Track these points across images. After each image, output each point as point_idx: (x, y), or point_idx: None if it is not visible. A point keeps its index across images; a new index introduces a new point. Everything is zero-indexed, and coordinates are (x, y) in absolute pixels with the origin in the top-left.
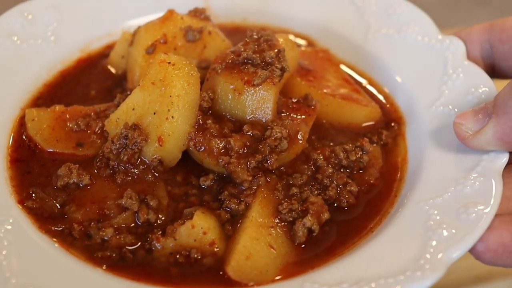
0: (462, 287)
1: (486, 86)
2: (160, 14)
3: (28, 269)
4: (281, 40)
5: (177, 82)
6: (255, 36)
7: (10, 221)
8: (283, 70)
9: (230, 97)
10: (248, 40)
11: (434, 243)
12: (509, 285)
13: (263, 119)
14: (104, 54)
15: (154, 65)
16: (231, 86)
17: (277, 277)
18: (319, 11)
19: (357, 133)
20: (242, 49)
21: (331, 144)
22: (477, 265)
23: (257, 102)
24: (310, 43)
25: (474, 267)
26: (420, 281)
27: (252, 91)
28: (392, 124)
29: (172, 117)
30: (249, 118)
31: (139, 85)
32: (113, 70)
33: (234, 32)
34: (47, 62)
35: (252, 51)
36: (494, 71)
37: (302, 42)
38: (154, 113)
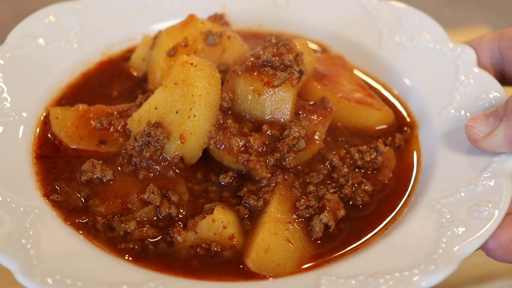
0: (462, 287)
1: (496, 92)
2: (178, 20)
3: (54, 258)
4: (298, 44)
5: (199, 82)
6: (274, 41)
7: (36, 212)
8: (301, 72)
9: (249, 98)
10: (267, 44)
11: (447, 239)
12: (510, 285)
13: (282, 119)
14: (125, 57)
15: (176, 66)
16: (251, 87)
17: (295, 270)
18: (333, 20)
19: (371, 136)
20: (261, 52)
21: (346, 146)
22: (477, 265)
23: (276, 103)
24: (325, 50)
25: (474, 267)
26: (434, 275)
27: (271, 92)
28: (405, 128)
29: (194, 115)
30: (268, 118)
31: (161, 85)
32: (134, 73)
33: (251, 38)
34: (70, 64)
35: (271, 54)
36: (504, 78)
37: (317, 48)
38: (177, 112)
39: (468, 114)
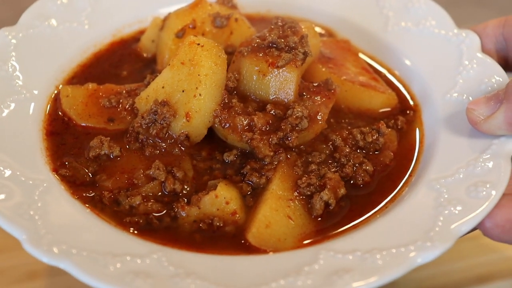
0: (462, 287)
1: (499, 76)
2: (187, 3)
3: (61, 229)
4: (304, 27)
5: (205, 62)
6: (280, 23)
7: (45, 185)
8: (305, 54)
9: (255, 78)
10: (273, 27)
11: (444, 217)
12: (510, 285)
13: (285, 100)
14: (135, 38)
15: (183, 46)
16: (256, 68)
17: (295, 246)
18: (341, 4)
19: (374, 118)
20: (267, 34)
21: (349, 127)
22: (478, 265)
23: (280, 83)
24: (331, 34)
25: (474, 267)
26: (429, 251)
27: (276, 72)
28: (408, 111)
29: (200, 94)
30: (272, 98)
31: (169, 65)
32: (144, 54)
33: (260, 22)
34: (81, 44)
35: (277, 36)
36: (507, 64)
37: (324, 32)
38: (183, 91)
39: (470, 98)
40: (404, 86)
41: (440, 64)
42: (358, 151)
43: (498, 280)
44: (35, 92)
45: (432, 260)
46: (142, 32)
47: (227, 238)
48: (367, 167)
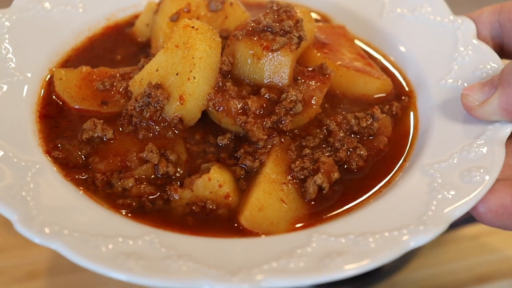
0: (462, 287)
1: (494, 63)
2: None
3: (53, 210)
4: (299, 12)
5: (199, 45)
6: (275, 8)
7: (37, 167)
8: (300, 38)
9: (249, 62)
10: (268, 11)
11: (437, 201)
12: (510, 285)
13: (280, 83)
14: (130, 23)
15: (178, 29)
16: (251, 51)
17: (288, 229)
18: None
19: (369, 104)
20: (262, 18)
21: (344, 112)
22: (478, 265)
23: (275, 67)
24: (327, 20)
25: (474, 267)
26: (422, 235)
27: (270, 56)
28: (403, 97)
29: (194, 77)
30: (267, 82)
31: (163, 48)
32: (138, 38)
33: (256, 7)
34: (76, 27)
35: (272, 20)
36: (503, 50)
37: (319, 18)
38: (177, 74)
39: (465, 84)
40: (399, 72)
41: (435, 50)
42: (352, 136)
43: (498, 280)
44: (28, 75)
45: (425, 243)
46: (136, 17)
47: (220, 221)
48: (361, 152)
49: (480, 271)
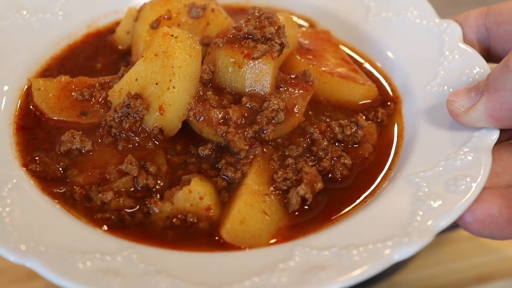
0: (462, 287)
1: (480, 67)
2: None
3: (30, 226)
4: (281, 18)
5: (179, 53)
6: (257, 14)
7: (14, 181)
8: (282, 45)
9: (230, 70)
10: (249, 17)
11: (422, 212)
12: (510, 285)
13: (262, 92)
14: (111, 30)
15: (157, 37)
16: (232, 60)
17: (270, 242)
18: None
19: (354, 111)
20: (243, 25)
21: (328, 120)
22: (478, 265)
23: (256, 75)
24: (312, 25)
25: (474, 267)
26: (407, 247)
27: (252, 64)
28: (389, 103)
29: (174, 87)
30: (248, 91)
31: (142, 56)
32: (119, 46)
33: (239, 12)
34: (55, 35)
35: (253, 27)
36: (489, 54)
37: (304, 23)
38: (156, 83)
39: (451, 90)
40: (384, 77)
41: (421, 54)
42: (337, 144)
43: (498, 280)
44: (6, 87)
45: (410, 256)
46: (118, 23)
47: (200, 234)
48: (346, 161)
49: (480, 271)
